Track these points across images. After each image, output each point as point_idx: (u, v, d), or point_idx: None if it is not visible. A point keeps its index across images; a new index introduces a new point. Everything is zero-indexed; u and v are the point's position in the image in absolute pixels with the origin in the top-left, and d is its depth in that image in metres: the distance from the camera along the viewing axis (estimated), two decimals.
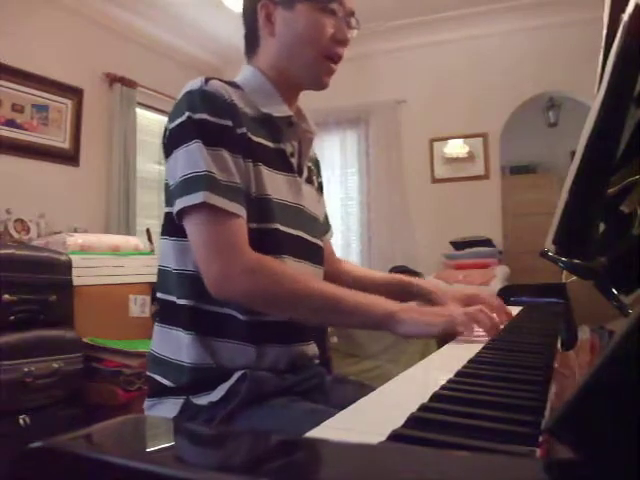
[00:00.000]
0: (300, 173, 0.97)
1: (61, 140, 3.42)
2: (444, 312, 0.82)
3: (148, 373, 0.89)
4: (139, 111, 3.99)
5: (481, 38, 4.02)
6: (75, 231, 3.09)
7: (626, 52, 0.56)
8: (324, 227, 1.10)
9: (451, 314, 0.80)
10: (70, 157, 3.47)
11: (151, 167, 4.21)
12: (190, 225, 0.79)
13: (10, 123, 3.11)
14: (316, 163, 1.12)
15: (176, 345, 0.84)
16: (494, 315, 0.83)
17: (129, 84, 3.82)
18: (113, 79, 3.74)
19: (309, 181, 1.02)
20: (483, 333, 0.80)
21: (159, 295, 0.90)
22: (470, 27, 4.01)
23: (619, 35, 0.58)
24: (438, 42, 4.12)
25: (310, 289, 0.79)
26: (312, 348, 0.95)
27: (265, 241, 0.83)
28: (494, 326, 0.80)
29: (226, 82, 0.87)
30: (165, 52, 4.26)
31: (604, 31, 0.76)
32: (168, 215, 0.86)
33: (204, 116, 0.80)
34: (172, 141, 0.83)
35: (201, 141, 0.79)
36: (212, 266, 0.77)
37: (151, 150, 4.22)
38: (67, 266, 2.32)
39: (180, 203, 0.78)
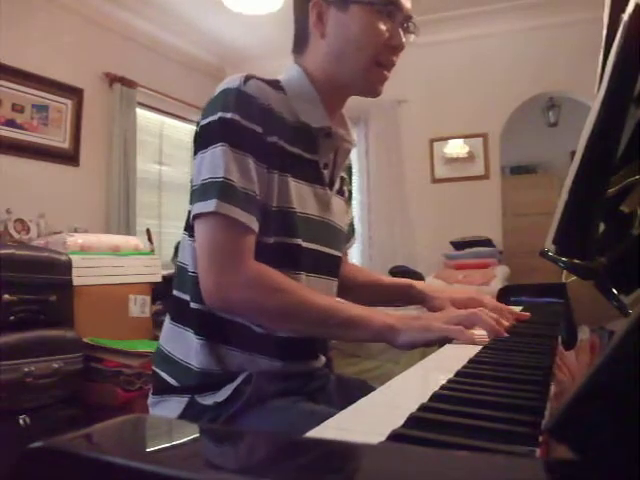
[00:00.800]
0: (331, 186, 0.94)
1: (61, 140, 3.42)
2: (441, 318, 0.81)
3: (154, 368, 0.88)
4: (139, 111, 3.99)
5: (481, 38, 4.02)
6: (75, 231, 3.09)
7: (626, 52, 0.56)
8: (347, 236, 1.07)
9: (448, 320, 0.79)
10: (70, 157, 3.47)
11: (151, 167, 4.20)
12: (198, 230, 0.78)
13: (10, 123, 3.11)
14: (349, 169, 1.09)
15: (186, 347, 0.83)
16: (494, 315, 0.82)
17: (129, 84, 3.82)
18: (113, 79, 3.74)
19: (340, 192, 0.99)
20: (484, 334, 0.79)
21: (175, 292, 0.88)
22: (470, 27, 4.01)
23: (619, 35, 0.58)
24: (438, 42, 4.12)
25: (307, 303, 0.78)
26: (321, 361, 0.94)
27: (283, 256, 0.81)
28: (496, 326, 0.79)
29: (268, 82, 0.83)
30: (165, 52, 4.26)
31: (604, 31, 0.76)
32: (190, 213, 0.84)
33: (236, 117, 0.77)
34: (201, 140, 0.81)
35: (227, 144, 0.77)
36: (209, 276, 0.76)
37: (151, 150, 4.22)
38: (67, 266, 2.32)
39: (195, 209, 0.78)
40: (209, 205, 0.75)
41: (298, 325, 0.80)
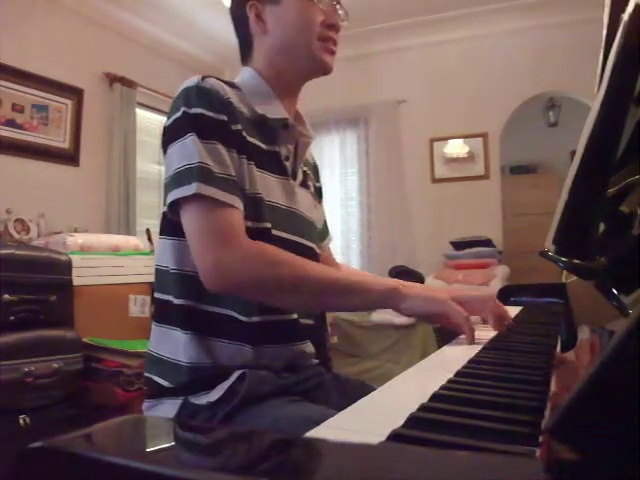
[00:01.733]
0: (294, 177, 0.96)
1: (61, 140, 3.42)
2: (449, 292, 0.84)
3: (146, 374, 0.88)
4: (139, 111, 3.99)
5: (481, 38, 4.02)
6: (75, 231, 3.09)
7: (626, 52, 0.56)
8: (322, 233, 1.09)
9: (457, 295, 0.83)
10: (70, 157, 3.47)
11: (151, 167, 4.21)
12: (184, 217, 0.79)
13: (10, 123, 3.11)
14: (314, 168, 1.11)
15: (174, 345, 0.83)
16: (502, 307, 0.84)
17: (129, 84, 3.82)
18: (113, 79, 3.74)
19: (304, 185, 1.00)
20: (483, 335, 0.80)
21: (157, 295, 0.89)
22: (470, 27, 4.01)
23: (619, 35, 0.58)
24: (438, 42, 4.12)
25: (309, 273, 0.79)
26: (309, 346, 0.94)
27: (258, 241, 0.82)
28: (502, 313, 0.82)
29: (224, 81, 0.87)
30: (165, 52, 4.26)
31: (604, 31, 0.76)
32: (166, 214, 0.85)
33: (200, 110, 0.80)
34: (168, 137, 0.83)
35: (195, 134, 0.78)
36: (206, 256, 0.76)
37: (151, 150, 4.22)
38: (67, 266, 2.32)
39: (173, 195, 0.78)
40: (190, 189, 0.75)
41: (300, 296, 0.81)
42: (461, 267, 3.68)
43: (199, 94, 0.81)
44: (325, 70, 0.94)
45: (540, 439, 0.33)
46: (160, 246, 0.89)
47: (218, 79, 0.86)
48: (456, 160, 4.12)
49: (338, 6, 0.94)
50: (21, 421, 1.96)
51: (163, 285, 0.88)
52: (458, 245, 3.88)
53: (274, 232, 0.86)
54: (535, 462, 0.29)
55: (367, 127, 4.39)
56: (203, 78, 0.83)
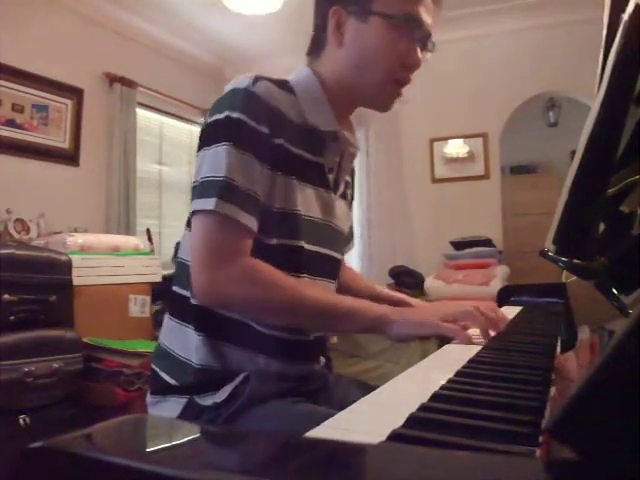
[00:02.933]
0: (336, 190, 0.93)
1: (61, 140, 3.42)
2: (437, 312, 0.82)
3: (153, 366, 0.88)
4: (139, 111, 3.99)
5: (481, 38, 4.02)
6: (75, 231, 3.09)
7: (626, 52, 0.56)
8: (347, 239, 1.07)
9: (444, 316, 0.80)
10: (70, 157, 3.47)
11: (151, 167, 4.20)
12: (195, 226, 0.78)
13: (10, 123, 3.11)
14: (352, 173, 1.08)
15: (185, 343, 0.83)
16: (491, 315, 0.82)
17: (129, 84, 3.82)
18: (113, 79, 3.74)
19: (343, 196, 0.98)
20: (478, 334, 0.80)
21: (175, 288, 0.88)
22: (470, 27, 4.01)
23: (619, 35, 0.58)
24: (438, 42, 4.10)
25: (299, 297, 0.78)
26: (320, 362, 0.94)
27: (285, 258, 0.81)
28: (487, 326, 0.80)
29: (277, 83, 0.83)
30: (165, 52, 4.26)
31: (604, 31, 0.76)
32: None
33: (242, 117, 0.77)
34: (205, 137, 0.80)
35: (231, 143, 0.76)
36: (202, 274, 0.75)
37: (151, 150, 4.22)
38: (67, 266, 2.32)
39: (193, 205, 0.77)
40: (208, 203, 0.74)
41: (291, 319, 0.81)
42: (461, 267, 3.68)
43: (246, 99, 0.78)
44: (382, 110, 0.91)
45: (540, 439, 0.33)
46: (184, 239, 0.88)
47: (271, 80, 0.81)
48: (456, 160, 4.11)
49: (429, 42, 0.88)
50: (21, 421, 1.96)
51: (183, 280, 0.85)
52: (458, 245, 3.88)
53: (306, 247, 0.84)
54: (535, 462, 0.29)
55: (367, 127, 4.39)
56: (255, 81, 0.79)
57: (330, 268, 0.93)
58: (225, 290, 0.75)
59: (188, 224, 0.86)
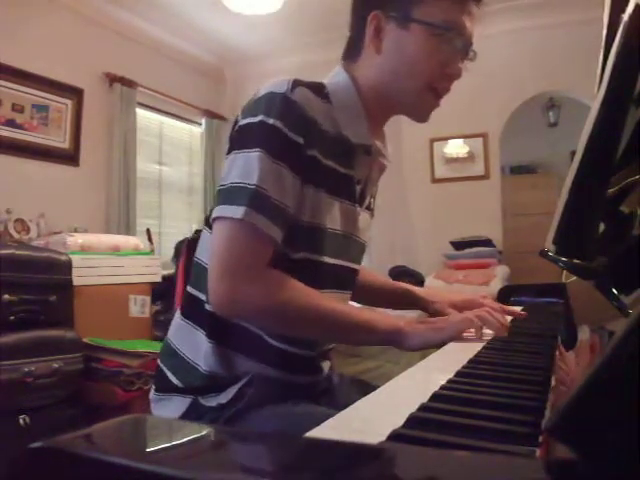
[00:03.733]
0: (362, 202, 0.91)
1: (61, 140, 3.42)
2: (449, 321, 0.82)
3: (159, 363, 0.87)
4: (139, 111, 3.99)
5: (481, 38, 3.98)
6: (75, 231, 3.09)
7: (626, 52, 0.56)
8: (365, 247, 1.06)
9: (459, 322, 0.80)
10: (70, 157, 3.48)
11: (151, 167, 4.20)
12: (219, 232, 0.74)
13: (10, 123, 3.12)
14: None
15: (195, 347, 0.82)
16: (498, 315, 0.83)
17: (129, 84, 3.82)
18: (113, 79, 3.74)
19: (368, 208, 0.96)
20: (489, 332, 0.80)
21: (189, 289, 0.86)
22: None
23: (619, 35, 0.58)
24: None
25: (317, 307, 0.76)
26: (324, 373, 0.95)
27: (306, 272, 0.79)
28: (502, 326, 0.80)
29: (314, 89, 0.79)
30: (165, 52, 4.26)
31: (604, 31, 0.76)
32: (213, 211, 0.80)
33: (278, 124, 0.73)
34: (237, 140, 0.77)
35: (265, 150, 0.73)
36: (221, 283, 0.72)
37: (151, 150, 4.22)
38: (67, 266, 2.32)
39: (220, 211, 0.73)
40: (238, 211, 0.71)
41: (303, 331, 0.80)
42: (461, 267, 3.68)
43: (283, 106, 0.74)
44: (419, 121, 0.89)
45: (540, 439, 0.33)
46: (202, 238, 0.85)
47: (308, 86, 0.78)
48: (456, 160, 4.12)
49: (470, 51, 0.85)
50: (21, 421, 1.96)
51: (198, 281, 0.83)
52: (458, 245, 3.88)
53: (326, 260, 0.83)
54: (535, 462, 0.29)
55: None
56: (294, 86, 0.75)
57: (349, 280, 0.93)
58: (244, 305, 0.73)
59: (207, 223, 0.83)
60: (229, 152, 0.78)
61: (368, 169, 0.90)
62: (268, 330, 0.81)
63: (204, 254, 0.83)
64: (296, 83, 0.76)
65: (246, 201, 0.71)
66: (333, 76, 0.87)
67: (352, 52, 0.88)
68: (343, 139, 0.82)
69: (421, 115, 0.88)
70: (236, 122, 0.79)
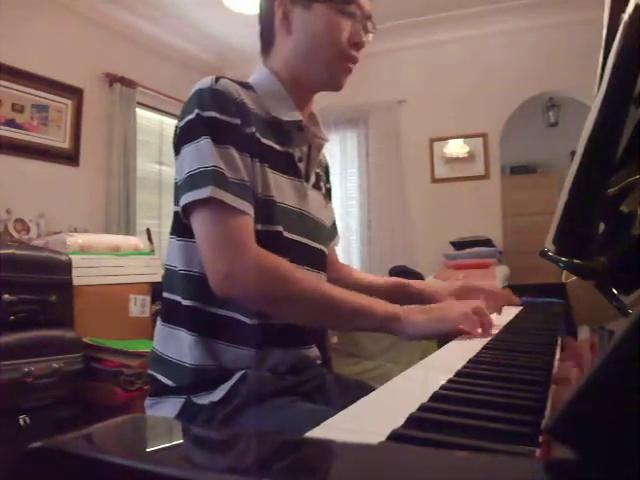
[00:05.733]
0: (307, 179, 0.96)
1: (61, 140, 3.42)
2: (447, 310, 0.82)
3: (150, 371, 0.88)
4: (139, 111, 3.99)
5: (481, 38, 4.02)
6: (75, 231, 3.09)
7: (626, 52, 0.56)
8: (330, 233, 1.09)
9: (457, 317, 0.80)
10: (70, 157, 3.47)
11: (151, 167, 4.20)
12: (196, 221, 0.78)
13: (10, 123, 3.11)
14: (325, 169, 1.11)
15: (179, 345, 0.83)
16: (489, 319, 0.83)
17: (129, 84, 3.82)
18: (113, 79, 3.74)
19: (316, 187, 1.01)
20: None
21: (165, 294, 0.90)
22: (470, 27, 4.01)
23: (619, 35, 0.58)
24: (438, 42, 4.12)
25: (316, 291, 0.78)
26: (314, 351, 0.95)
27: (268, 244, 0.82)
28: (488, 327, 0.81)
29: (237, 82, 0.86)
30: (165, 52, 4.26)
31: (604, 31, 0.76)
32: (176, 214, 0.85)
33: (213, 114, 0.79)
34: (181, 139, 0.82)
35: (209, 138, 0.78)
36: (217, 264, 0.76)
37: (151, 150, 4.22)
38: (67, 266, 2.32)
39: (186, 198, 0.77)
40: (204, 192, 0.75)
41: (303, 313, 0.81)
42: (461, 267, 3.68)
43: (212, 97, 0.80)
44: (336, 89, 0.94)
45: (540, 439, 0.33)
46: (170, 245, 0.89)
47: (231, 80, 0.85)
48: (456, 160, 4.11)
49: (369, 23, 0.92)
50: (21, 421, 1.96)
51: (171, 285, 0.88)
52: (458, 245, 3.88)
53: (285, 234, 0.86)
54: (535, 462, 0.29)
55: (367, 127, 4.39)
56: (217, 79, 0.83)
57: (312, 257, 0.94)
58: (246, 281, 0.76)
59: (172, 231, 0.87)
60: (177, 153, 0.82)
61: (306, 147, 0.96)
62: (266, 311, 0.82)
63: (171, 259, 0.88)
64: (219, 77, 0.83)
65: (209, 181, 0.75)
66: (254, 74, 0.95)
67: (266, 45, 0.96)
68: (274, 119, 0.89)
69: (336, 82, 0.94)
70: (176, 129, 0.85)
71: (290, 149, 0.92)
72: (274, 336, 0.85)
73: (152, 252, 3.14)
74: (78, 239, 2.65)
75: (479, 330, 0.80)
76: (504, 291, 1.01)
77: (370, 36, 0.94)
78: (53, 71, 3.35)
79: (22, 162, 3.16)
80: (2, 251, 2.10)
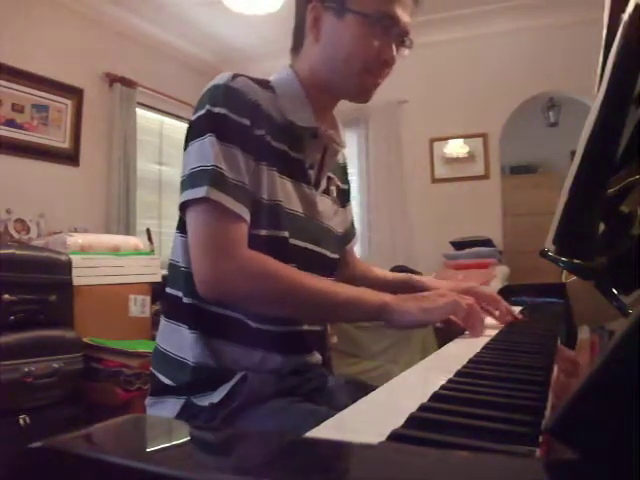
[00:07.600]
0: (317, 186, 0.94)
1: (61, 140, 3.42)
2: (437, 298, 0.81)
3: (151, 369, 0.88)
4: (139, 111, 3.99)
5: (481, 38, 4.02)
6: (75, 231, 3.09)
7: (626, 52, 0.56)
8: (345, 236, 1.08)
9: (446, 304, 0.80)
10: (70, 157, 3.47)
11: (151, 167, 4.20)
12: (189, 219, 0.78)
13: (10, 123, 3.11)
14: (342, 169, 1.09)
15: (180, 342, 0.83)
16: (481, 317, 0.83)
17: (129, 84, 3.82)
18: (113, 79, 3.74)
19: (326, 192, 0.98)
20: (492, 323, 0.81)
21: (168, 290, 0.89)
22: (470, 27, 4.01)
23: (619, 35, 0.58)
24: (438, 42, 4.12)
25: (300, 287, 0.77)
26: (315, 357, 0.94)
27: (273, 249, 0.81)
28: (479, 326, 0.81)
29: (257, 80, 0.85)
30: (165, 52, 4.26)
31: (604, 31, 0.76)
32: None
33: (223, 111, 0.78)
34: (190, 134, 0.82)
35: (215, 135, 0.77)
36: (201, 266, 0.75)
37: (151, 150, 4.22)
38: (67, 266, 2.32)
39: (184, 196, 0.77)
40: (199, 191, 0.75)
41: (293, 309, 0.81)
42: (461, 267, 3.68)
43: (226, 94, 0.80)
44: (361, 101, 0.92)
45: (540, 439, 0.33)
46: (174, 241, 0.89)
47: (250, 78, 0.84)
48: (456, 160, 4.11)
49: (406, 39, 0.89)
50: (21, 421, 1.96)
51: (174, 280, 0.87)
52: (458, 245, 3.88)
53: (291, 241, 0.85)
54: (535, 462, 0.29)
55: (367, 127, 4.39)
56: (234, 77, 0.81)
57: (320, 264, 0.93)
58: (228, 282, 0.75)
59: (178, 227, 0.87)
60: (185, 148, 0.82)
61: (319, 154, 0.94)
62: (250, 311, 0.82)
63: (176, 254, 0.87)
64: (237, 74, 0.82)
65: (207, 181, 0.75)
66: (277, 73, 0.93)
67: (296, 45, 0.94)
68: (289, 124, 0.87)
69: (362, 95, 0.91)
70: (189, 124, 0.84)
71: (302, 155, 0.90)
72: (276, 341, 0.84)
73: (152, 252, 3.14)
74: (78, 239, 2.65)
75: (468, 323, 0.81)
76: (510, 307, 0.98)
77: (406, 51, 0.91)
78: (53, 71, 3.34)
79: (22, 162, 3.16)
80: (2, 251, 2.10)
